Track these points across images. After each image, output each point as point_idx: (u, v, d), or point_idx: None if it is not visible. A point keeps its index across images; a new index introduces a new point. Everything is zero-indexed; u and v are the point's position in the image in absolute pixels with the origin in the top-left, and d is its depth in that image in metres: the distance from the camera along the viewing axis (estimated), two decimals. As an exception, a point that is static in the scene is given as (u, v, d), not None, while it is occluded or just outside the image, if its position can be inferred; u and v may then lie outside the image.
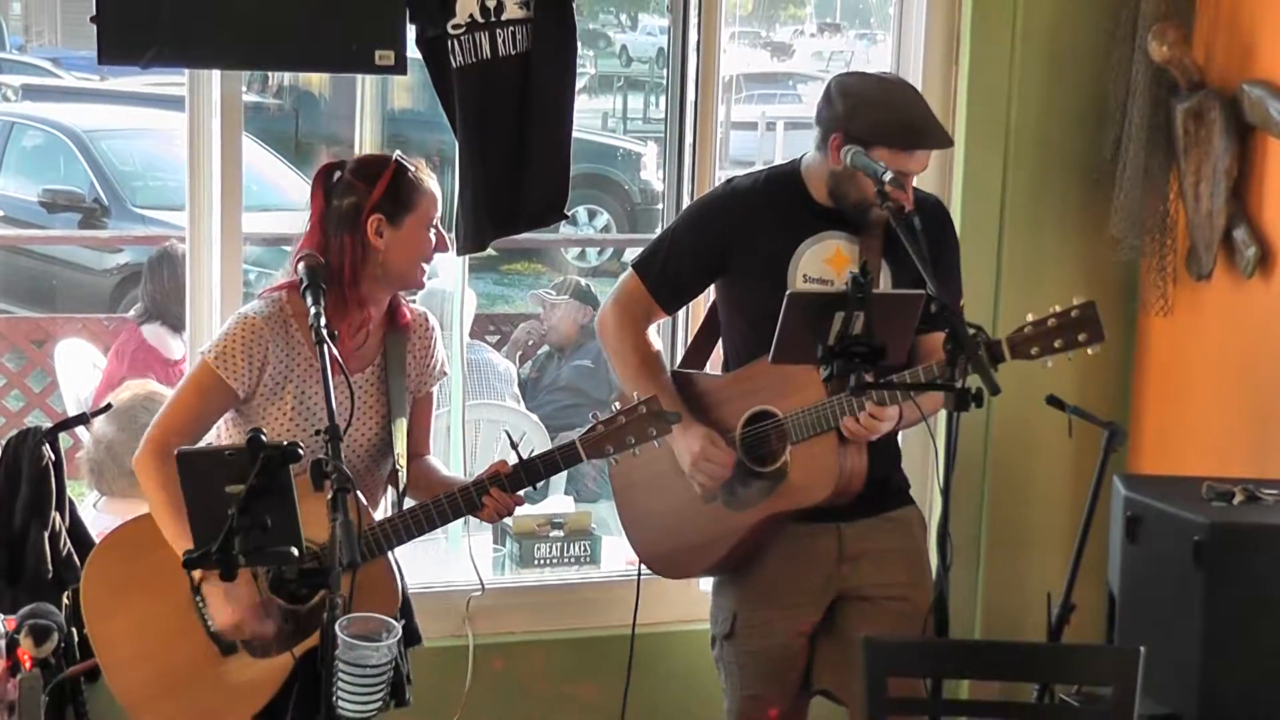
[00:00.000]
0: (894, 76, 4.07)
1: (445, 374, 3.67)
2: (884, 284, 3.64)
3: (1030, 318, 3.34)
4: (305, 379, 3.43)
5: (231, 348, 3.38)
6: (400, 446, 3.49)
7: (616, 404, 3.53)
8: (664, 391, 3.74)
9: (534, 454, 3.46)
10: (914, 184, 3.65)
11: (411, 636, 3.64)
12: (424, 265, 3.48)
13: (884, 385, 3.34)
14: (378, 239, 3.39)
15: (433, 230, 3.47)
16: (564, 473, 6.48)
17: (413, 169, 3.44)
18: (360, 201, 3.39)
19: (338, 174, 3.45)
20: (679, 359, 4.34)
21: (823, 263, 3.66)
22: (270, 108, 11.73)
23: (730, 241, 3.73)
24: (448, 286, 5.45)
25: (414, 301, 3.71)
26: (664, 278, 3.80)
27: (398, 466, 3.46)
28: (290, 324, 3.42)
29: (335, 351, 3.09)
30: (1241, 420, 4.45)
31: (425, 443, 3.67)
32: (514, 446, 3.45)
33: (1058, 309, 3.32)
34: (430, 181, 3.48)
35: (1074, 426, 3.97)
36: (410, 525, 3.39)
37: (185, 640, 3.35)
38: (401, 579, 3.60)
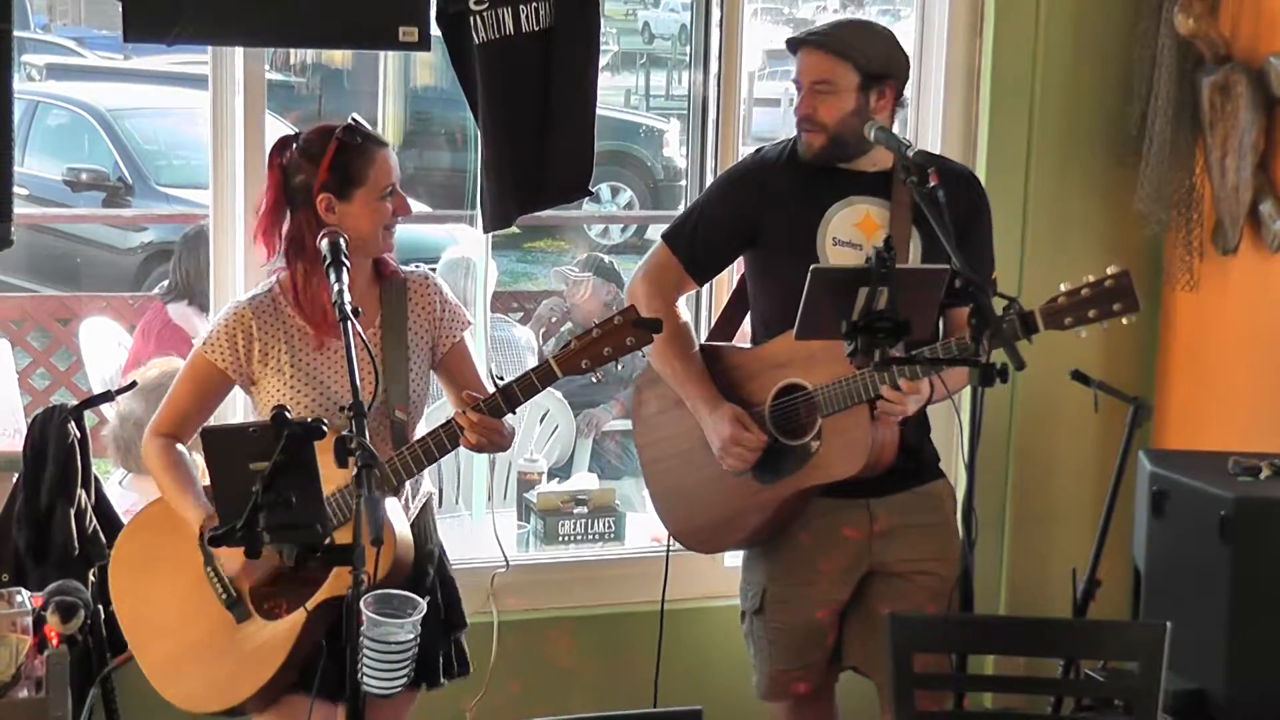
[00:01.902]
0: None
1: (469, 322, 3.66)
2: (914, 250, 3.62)
3: (1064, 287, 3.31)
4: (300, 347, 3.48)
5: (217, 333, 3.51)
6: (405, 401, 3.50)
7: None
8: (693, 365, 3.75)
9: (510, 379, 3.37)
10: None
11: (456, 620, 3.66)
12: (387, 229, 3.49)
13: (908, 360, 3.33)
14: (330, 215, 3.42)
15: (389, 197, 3.46)
16: (588, 450, 6.60)
17: (359, 140, 3.44)
18: (309, 180, 3.43)
19: (290, 149, 3.48)
20: (705, 331, 4.35)
21: (852, 227, 3.65)
22: (294, 85, 11.73)
23: (759, 211, 3.72)
24: (472, 256, 5.46)
25: (433, 270, 3.71)
26: (694, 248, 3.80)
27: (396, 418, 3.47)
28: (280, 301, 3.50)
29: (359, 328, 3.11)
30: (1268, 395, 4.43)
31: (483, 391, 3.58)
32: (494, 378, 3.41)
33: (1091, 278, 3.28)
34: (381, 149, 3.47)
35: (1099, 401, 3.95)
36: (399, 468, 3.39)
37: (202, 613, 3.42)
38: (442, 557, 3.65)
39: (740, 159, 4.10)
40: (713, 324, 4.10)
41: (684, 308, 3.87)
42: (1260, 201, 4.37)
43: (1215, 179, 4.46)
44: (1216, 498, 3.70)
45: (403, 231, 3.60)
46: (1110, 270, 3.27)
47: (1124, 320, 3.27)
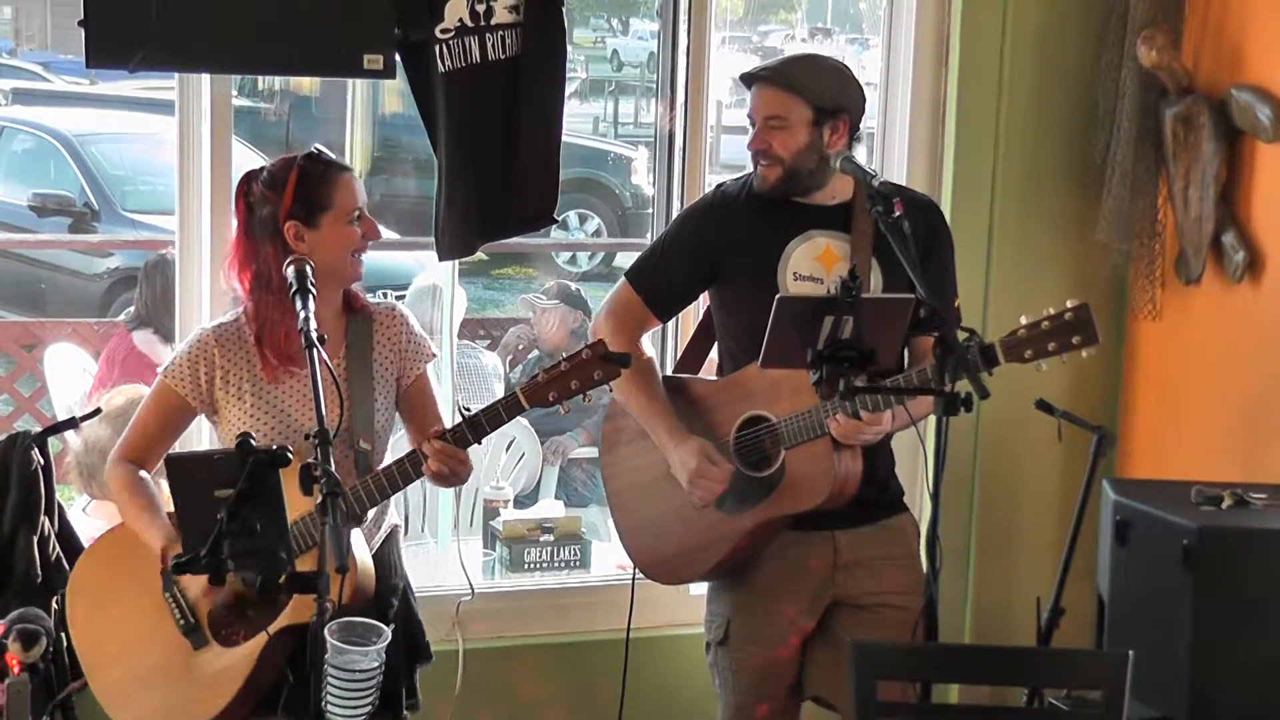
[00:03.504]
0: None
1: (434, 355, 3.67)
2: (875, 282, 3.64)
3: (1024, 320, 3.33)
4: (263, 379, 3.48)
5: (180, 361, 3.53)
6: (369, 430, 3.50)
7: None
8: (657, 399, 3.75)
9: (477, 410, 3.39)
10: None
11: (420, 653, 3.66)
12: (356, 256, 3.51)
13: (873, 389, 3.34)
14: (299, 244, 3.44)
15: (357, 221, 3.49)
16: (554, 477, 6.60)
17: (321, 166, 3.46)
18: (275, 210, 3.45)
19: (255, 183, 3.49)
20: (670, 363, 4.36)
21: (812, 260, 3.66)
22: (262, 111, 11.73)
23: (721, 247, 3.74)
24: (441, 284, 5.45)
25: (402, 298, 3.72)
26: (657, 287, 3.81)
27: (359, 448, 3.46)
28: (245, 331, 3.51)
29: (324, 355, 3.11)
30: (1230, 424, 4.46)
31: (440, 425, 3.60)
32: (460, 409, 3.42)
33: (1051, 311, 3.30)
34: (344, 174, 3.50)
35: (1063, 431, 3.97)
36: (361, 496, 3.39)
37: (159, 638, 3.42)
38: (407, 590, 3.65)
39: (702, 194, 4.11)
40: (679, 355, 4.11)
41: (648, 343, 3.88)
42: (1222, 232, 4.40)
43: (1178, 209, 4.49)
44: (1179, 527, 3.71)
45: (370, 259, 3.61)
46: (1070, 303, 3.30)
47: (1084, 353, 3.29)
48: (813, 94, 3.61)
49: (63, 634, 3.72)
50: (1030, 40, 4.67)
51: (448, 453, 3.35)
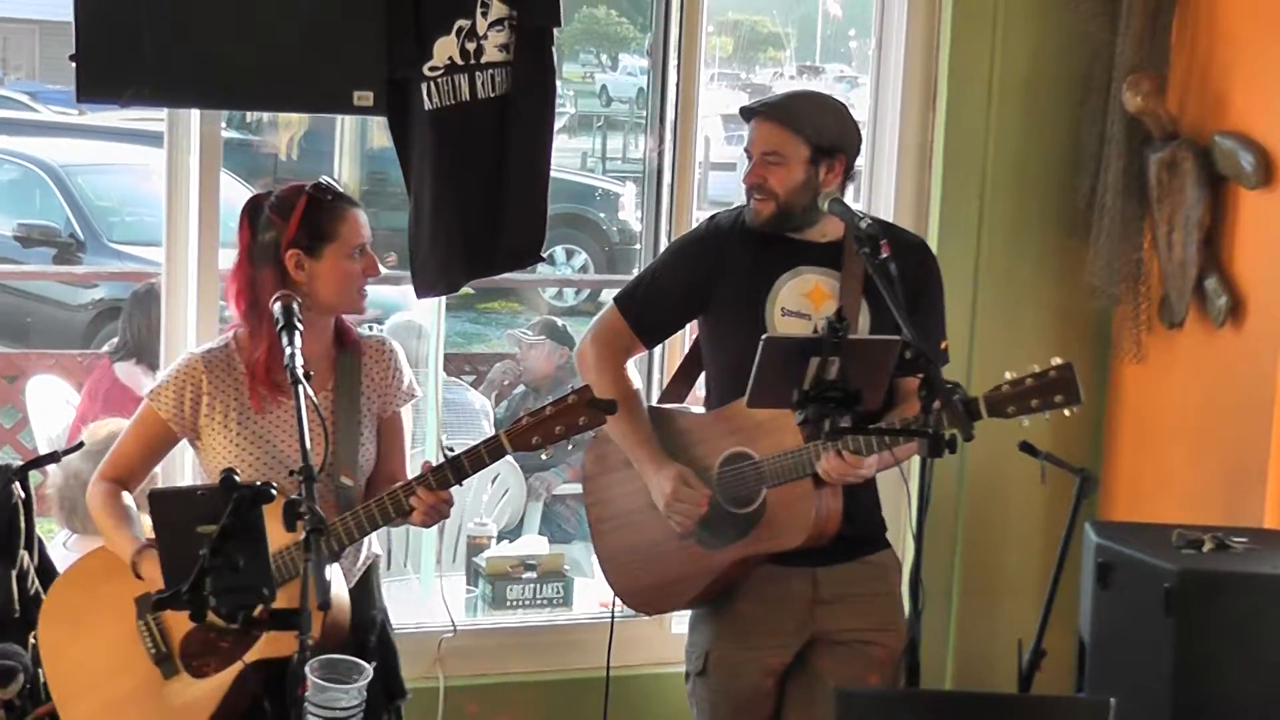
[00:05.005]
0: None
1: (414, 394, 3.66)
2: (863, 321, 3.65)
3: (1008, 376, 3.34)
4: (250, 407, 3.46)
5: (165, 384, 3.50)
6: (352, 467, 3.49)
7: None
8: (641, 428, 3.75)
9: (459, 451, 3.37)
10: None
11: (396, 688, 3.64)
12: (361, 291, 3.50)
13: (858, 431, 3.34)
14: (299, 272, 3.42)
15: (359, 256, 3.48)
16: (538, 513, 6.58)
17: (330, 197, 3.46)
18: (278, 237, 3.43)
19: (262, 208, 3.48)
20: (655, 391, 4.36)
21: (801, 296, 3.67)
22: (251, 144, 11.73)
23: (710, 278, 3.74)
24: (422, 322, 5.45)
25: (381, 330, 3.70)
26: (645, 313, 3.81)
27: (341, 484, 3.45)
28: (234, 358, 3.49)
29: (310, 391, 3.10)
30: (1212, 468, 4.47)
31: (402, 468, 3.59)
32: (443, 449, 3.42)
33: (1036, 369, 3.33)
34: (353, 208, 3.50)
35: (1046, 473, 3.97)
36: (340, 534, 3.37)
37: (129, 668, 3.40)
38: (385, 623, 3.62)
39: (695, 225, 4.12)
40: (665, 383, 4.11)
41: (634, 370, 3.88)
42: (1205, 277, 4.41)
43: (1162, 254, 4.51)
44: (1160, 570, 3.72)
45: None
46: (1055, 361, 3.32)
47: (1066, 412, 3.31)
48: (812, 132, 3.62)
49: (39, 670, 3.70)
50: (1017, 84, 4.70)
51: (435, 507, 3.35)
